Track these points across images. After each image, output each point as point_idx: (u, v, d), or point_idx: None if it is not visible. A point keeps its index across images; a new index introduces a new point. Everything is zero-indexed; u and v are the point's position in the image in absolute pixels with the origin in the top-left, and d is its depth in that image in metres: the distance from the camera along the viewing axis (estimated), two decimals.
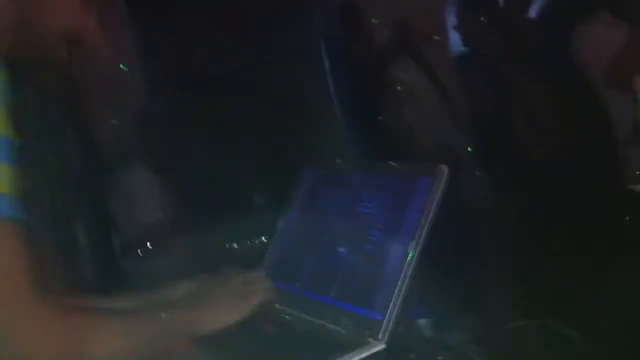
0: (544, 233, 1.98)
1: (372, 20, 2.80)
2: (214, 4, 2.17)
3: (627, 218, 1.84)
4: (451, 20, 2.68)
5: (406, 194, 1.22)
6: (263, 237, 1.70)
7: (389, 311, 1.11)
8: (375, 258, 1.21)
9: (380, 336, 1.10)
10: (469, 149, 2.40)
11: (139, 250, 3.12)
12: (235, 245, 2.29)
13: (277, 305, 1.27)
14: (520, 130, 2.43)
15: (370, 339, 1.10)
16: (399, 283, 1.12)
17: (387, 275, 1.16)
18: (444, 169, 1.17)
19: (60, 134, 2.65)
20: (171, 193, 2.91)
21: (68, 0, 0.99)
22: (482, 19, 2.54)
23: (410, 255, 1.15)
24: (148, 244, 3.17)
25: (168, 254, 3.04)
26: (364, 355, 1.08)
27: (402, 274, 1.13)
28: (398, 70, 2.86)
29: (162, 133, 2.73)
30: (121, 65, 2.43)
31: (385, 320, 1.10)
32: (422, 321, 1.25)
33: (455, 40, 2.68)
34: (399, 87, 2.77)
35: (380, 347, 1.09)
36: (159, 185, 2.94)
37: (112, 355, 0.98)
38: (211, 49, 2.24)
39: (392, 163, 1.30)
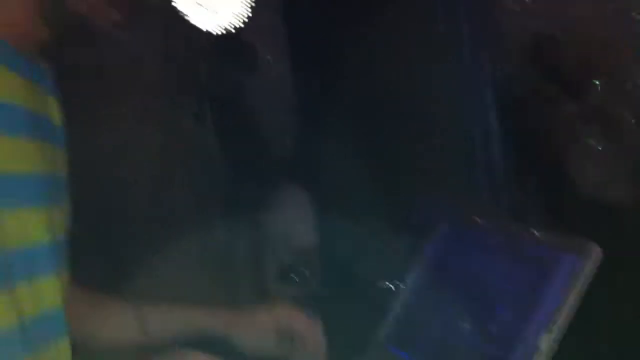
0: None
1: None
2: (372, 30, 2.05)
3: None
4: None
5: (546, 270, 1.00)
6: (389, 284, 1.57)
7: None
8: (500, 344, 1.00)
9: None
10: None
11: (294, 275, 3.08)
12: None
13: None
14: None
15: None
16: None
17: None
18: (596, 250, 0.94)
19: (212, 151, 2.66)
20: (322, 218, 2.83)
21: None
22: None
23: (540, 348, 0.92)
24: (304, 270, 3.11)
25: (319, 280, 2.96)
26: None
27: None
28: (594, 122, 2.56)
29: (316, 154, 2.66)
30: (268, 57, 2.39)
31: None
32: None
33: None
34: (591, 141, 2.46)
35: None
36: (313, 209, 2.88)
37: None
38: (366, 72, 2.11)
39: (535, 231, 1.08)
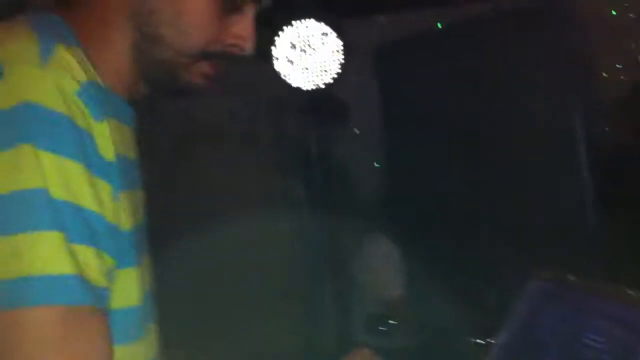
0: None
1: None
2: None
3: None
4: None
5: None
6: (480, 340, 1.53)
7: None
8: None
9: None
10: None
11: (380, 326, 3.06)
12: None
13: None
14: None
15: None
16: None
17: None
18: None
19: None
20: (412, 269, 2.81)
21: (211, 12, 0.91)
22: None
23: None
24: (390, 320, 3.08)
25: (407, 332, 2.93)
26: None
27: None
28: None
29: (406, 205, 2.66)
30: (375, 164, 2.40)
31: None
32: None
33: None
34: None
35: None
36: (402, 260, 2.86)
37: None
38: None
39: (631, 291, 1.04)
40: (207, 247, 2.50)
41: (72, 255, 0.75)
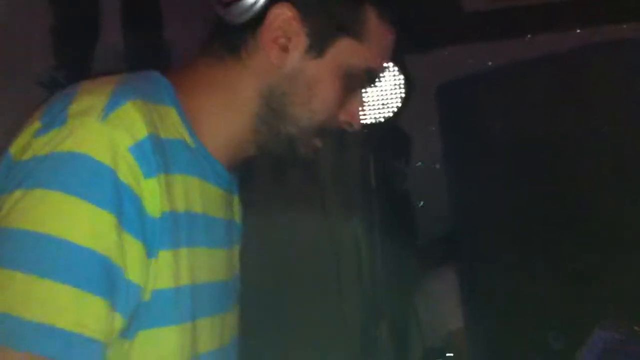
0: None
1: None
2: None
3: None
4: None
5: None
6: None
7: None
8: None
9: None
10: None
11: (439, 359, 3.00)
12: None
13: None
14: None
15: None
16: None
17: None
18: None
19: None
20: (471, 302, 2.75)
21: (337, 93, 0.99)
22: None
23: None
24: (449, 353, 3.02)
25: None
26: None
27: None
28: None
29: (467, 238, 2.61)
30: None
31: None
32: None
33: None
34: None
35: None
36: (461, 292, 2.81)
37: None
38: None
39: None
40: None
41: (79, 309, 0.76)
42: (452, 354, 2.97)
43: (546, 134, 1.92)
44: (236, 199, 1.10)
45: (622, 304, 1.63)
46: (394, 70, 2.07)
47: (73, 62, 2.33)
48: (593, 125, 1.86)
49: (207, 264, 0.93)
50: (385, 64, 1.03)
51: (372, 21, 0.97)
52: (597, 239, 1.86)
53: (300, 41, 0.95)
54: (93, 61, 2.36)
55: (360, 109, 1.02)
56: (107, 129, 0.81)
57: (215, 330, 0.95)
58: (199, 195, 0.92)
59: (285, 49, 0.94)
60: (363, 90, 1.03)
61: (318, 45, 0.95)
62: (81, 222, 0.78)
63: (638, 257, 1.80)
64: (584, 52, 1.92)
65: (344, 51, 0.96)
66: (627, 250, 1.81)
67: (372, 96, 2.06)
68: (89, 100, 0.84)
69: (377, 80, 1.02)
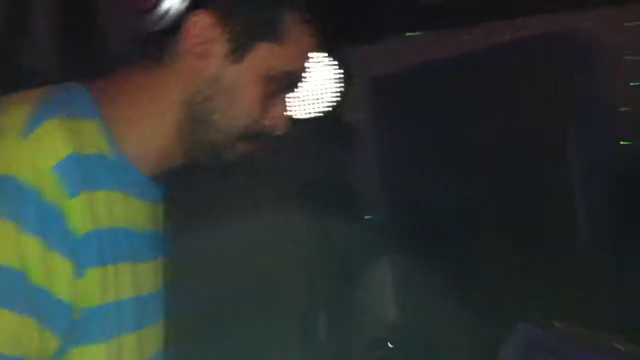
0: None
1: None
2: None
3: None
4: None
5: None
6: None
7: None
8: None
9: None
10: None
11: (377, 350, 3.02)
12: None
13: None
14: None
15: None
16: None
17: None
18: None
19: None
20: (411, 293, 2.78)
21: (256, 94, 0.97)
22: None
23: None
24: (389, 343, 3.05)
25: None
26: None
27: None
28: None
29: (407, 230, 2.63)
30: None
31: None
32: None
33: None
34: None
35: None
36: (402, 285, 2.84)
37: None
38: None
39: (619, 343, 1.02)
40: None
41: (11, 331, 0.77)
42: (393, 345, 2.99)
43: (475, 129, 1.94)
44: (161, 207, 1.09)
45: (544, 301, 1.67)
46: (332, 64, 2.06)
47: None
48: (518, 122, 1.89)
49: (132, 279, 0.93)
50: (307, 66, 1.01)
51: (292, 24, 0.96)
52: (521, 236, 1.90)
53: (219, 47, 0.94)
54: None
55: (283, 112, 1.00)
56: (29, 148, 0.82)
57: (139, 345, 0.95)
58: (122, 210, 0.92)
59: (205, 56, 0.94)
60: (289, 94, 1.01)
61: (237, 51, 0.95)
62: (6, 245, 0.79)
63: (559, 257, 1.84)
64: (510, 47, 1.94)
65: (264, 55, 0.95)
66: (549, 249, 1.85)
67: (311, 90, 2.05)
68: (9, 118, 0.84)
69: (299, 83, 1.01)
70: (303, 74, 1.01)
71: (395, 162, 2.35)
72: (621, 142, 2.14)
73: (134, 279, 0.93)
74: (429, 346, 2.67)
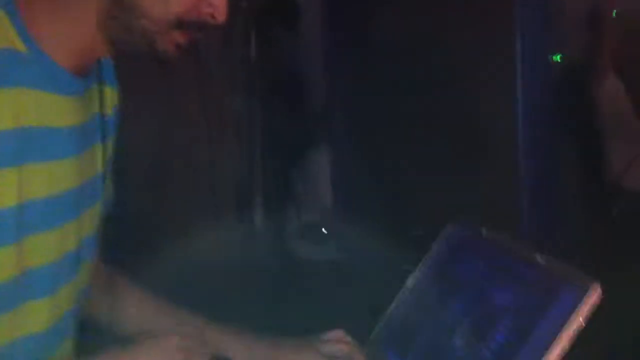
0: None
1: None
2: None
3: None
4: None
5: (545, 299, 0.96)
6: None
7: None
8: None
9: None
10: None
11: (312, 235, 3.08)
12: None
13: None
14: None
15: None
16: None
17: None
18: (595, 288, 0.90)
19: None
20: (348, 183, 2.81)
21: None
22: None
23: None
24: (323, 229, 3.11)
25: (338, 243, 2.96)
26: None
27: None
28: None
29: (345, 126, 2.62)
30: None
31: None
32: None
33: None
34: None
35: None
36: (338, 173, 2.86)
37: None
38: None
39: (540, 255, 1.03)
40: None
41: None
42: (327, 231, 3.04)
43: (429, 40, 1.92)
44: (108, 90, 1.05)
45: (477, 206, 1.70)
46: None
47: None
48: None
49: (45, 179, 0.88)
50: None
51: None
52: (464, 144, 1.91)
53: None
54: None
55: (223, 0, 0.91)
56: None
57: (55, 242, 0.92)
58: (35, 107, 0.86)
59: None
60: None
61: None
62: None
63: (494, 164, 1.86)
64: None
65: None
66: (486, 156, 1.87)
67: None
68: None
69: None
70: None
71: (339, 51, 2.30)
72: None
73: (49, 178, 0.89)
74: (358, 233, 2.71)
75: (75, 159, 0.94)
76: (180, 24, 0.89)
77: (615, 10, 2.61)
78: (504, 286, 1.06)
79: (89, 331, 1.09)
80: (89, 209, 1.00)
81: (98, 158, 1.02)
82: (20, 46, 0.84)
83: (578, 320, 0.90)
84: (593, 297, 0.90)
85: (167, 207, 2.66)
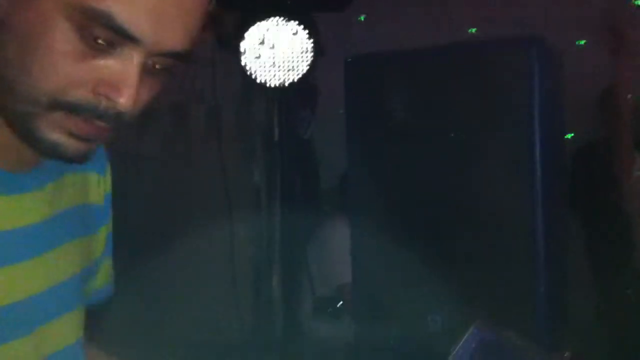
0: None
1: None
2: None
3: None
4: None
5: None
6: None
7: None
8: None
9: None
10: None
11: (329, 309, 3.08)
12: None
13: None
14: None
15: None
16: None
17: None
18: None
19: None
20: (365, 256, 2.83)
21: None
22: None
23: None
24: (340, 303, 3.11)
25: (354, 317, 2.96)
26: None
27: None
28: None
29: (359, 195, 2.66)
30: None
31: None
32: None
33: None
34: None
35: None
36: (354, 247, 2.88)
37: None
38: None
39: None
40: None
41: None
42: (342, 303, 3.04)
43: (446, 122, 1.96)
44: (93, 178, 0.95)
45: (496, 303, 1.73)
46: (303, 33, 2.03)
47: None
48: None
49: (10, 283, 0.79)
50: (159, 24, 0.71)
51: None
52: (481, 229, 1.94)
53: None
54: None
55: (127, 79, 0.72)
56: None
57: (35, 346, 0.83)
58: None
59: None
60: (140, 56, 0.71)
61: None
62: None
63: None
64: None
65: None
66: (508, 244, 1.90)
67: (280, 59, 2.03)
68: None
69: (134, 35, 0.70)
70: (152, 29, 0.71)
71: (361, 129, 2.35)
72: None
73: (16, 282, 0.79)
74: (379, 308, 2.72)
75: (35, 263, 0.83)
76: (57, 105, 0.72)
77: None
78: None
79: None
80: (58, 318, 0.87)
81: (76, 255, 0.90)
82: None
83: None
84: None
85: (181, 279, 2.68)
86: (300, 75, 2.05)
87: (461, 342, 1.29)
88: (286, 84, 2.03)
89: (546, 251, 1.91)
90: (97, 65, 0.72)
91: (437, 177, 2.13)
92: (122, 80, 0.72)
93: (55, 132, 0.73)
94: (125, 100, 0.72)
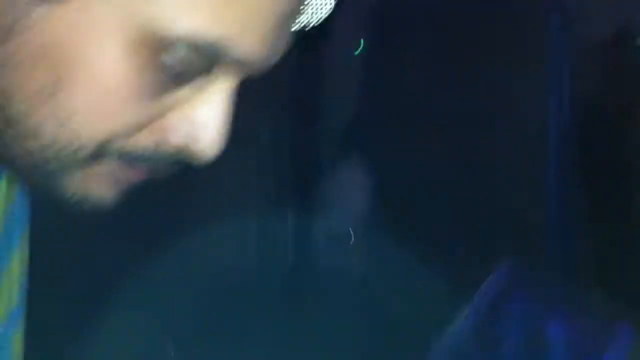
0: None
1: None
2: None
3: None
4: None
5: (600, 339, 1.06)
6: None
7: None
8: None
9: None
10: None
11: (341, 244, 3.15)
12: None
13: None
14: None
15: None
16: None
17: None
18: None
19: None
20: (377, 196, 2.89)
21: None
22: None
23: None
24: (350, 229, 3.17)
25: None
26: None
27: None
28: None
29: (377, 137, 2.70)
30: None
31: None
32: None
33: None
34: None
35: None
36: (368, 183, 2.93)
37: None
38: None
39: (594, 295, 1.13)
40: None
41: None
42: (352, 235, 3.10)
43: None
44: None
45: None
46: None
47: None
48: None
49: None
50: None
51: None
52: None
53: None
54: None
55: (210, 120, 0.47)
56: None
57: None
58: None
59: None
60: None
61: None
62: None
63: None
64: None
65: None
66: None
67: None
68: None
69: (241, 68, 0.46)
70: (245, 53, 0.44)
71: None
72: None
73: None
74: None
75: None
76: (105, 154, 0.48)
77: None
78: (561, 323, 1.14)
79: None
80: None
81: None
82: None
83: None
84: None
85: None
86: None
87: (488, 279, 1.37)
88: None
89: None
90: (161, 102, 0.47)
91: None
92: (203, 122, 0.47)
93: (92, 184, 0.50)
94: (209, 147, 0.48)
